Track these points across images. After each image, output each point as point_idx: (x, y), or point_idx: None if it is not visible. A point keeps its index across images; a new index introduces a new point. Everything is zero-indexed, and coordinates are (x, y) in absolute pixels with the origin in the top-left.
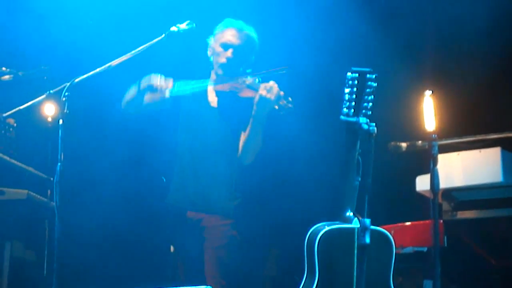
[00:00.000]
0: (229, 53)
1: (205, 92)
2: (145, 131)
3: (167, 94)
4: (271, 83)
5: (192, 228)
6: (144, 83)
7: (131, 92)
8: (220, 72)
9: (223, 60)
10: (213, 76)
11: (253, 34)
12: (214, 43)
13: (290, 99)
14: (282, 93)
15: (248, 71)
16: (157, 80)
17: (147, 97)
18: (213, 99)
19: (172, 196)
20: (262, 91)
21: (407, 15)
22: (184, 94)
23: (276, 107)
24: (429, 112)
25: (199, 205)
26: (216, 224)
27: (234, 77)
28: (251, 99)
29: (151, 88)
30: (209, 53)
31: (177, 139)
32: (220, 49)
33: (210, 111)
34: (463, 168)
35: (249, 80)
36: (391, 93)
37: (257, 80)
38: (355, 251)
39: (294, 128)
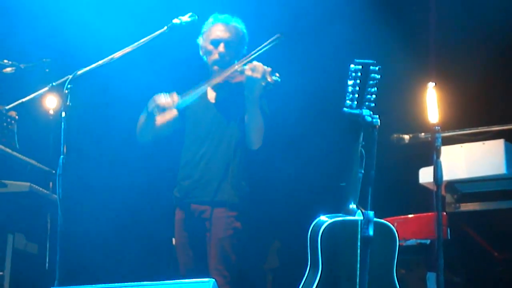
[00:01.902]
0: (220, 47)
1: (204, 92)
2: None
3: (174, 110)
4: (255, 63)
5: (196, 220)
6: (150, 106)
7: (141, 120)
8: (215, 68)
9: (215, 56)
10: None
11: (240, 25)
12: (203, 42)
13: (277, 74)
14: (269, 69)
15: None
16: (162, 99)
17: (159, 120)
18: (211, 96)
19: (177, 188)
20: (248, 72)
21: (410, 6)
22: (189, 103)
23: (263, 83)
24: (432, 104)
25: (204, 197)
26: (221, 215)
27: (226, 68)
28: (242, 82)
29: (159, 109)
30: (201, 53)
31: (183, 139)
32: (211, 47)
33: (209, 107)
34: (466, 160)
35: (240, 66)
36: (394, 85)
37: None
38: (358, 244)
39: (297, 120)
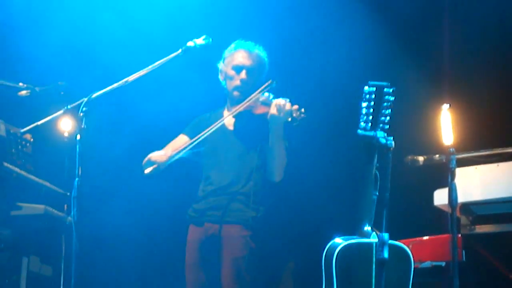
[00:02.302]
0: (243, 74)
1: (221, 117)
2: (164, 146)
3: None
4: (282, 100)
5: (209, 239)
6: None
7: (146, 163)
8: (236, 94)
9: (237, 82)
10: (228, 102)
11: (262, 53)
12: (225, 67)
13: (303, 110)
14: (295, 106)
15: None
16: (154, 157)
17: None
18: (229, 122)
19: (191, 209)
20: (273, 110)
21: (424, 29)
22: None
23: (289, 119)
24: (446, 125)
25: (219, 216)
26: (236, 235)
27: (247, 97)
28: (265, 115)
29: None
30: (221, 77)
31: (201, 163)
32: (232, 72)
33: (228, 134)
34: (481, 182)
35: (262, 97)
36: (408, 107)
37: (271, 96)
38: (374, 266)
39: (312, 142)
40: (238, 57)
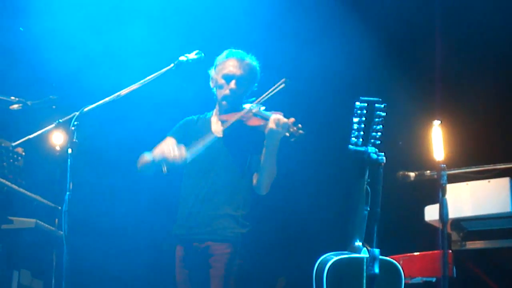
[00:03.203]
0: (232, 84)
1: (208, 123)
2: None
3: (182, 162)
4: (279, 116)
5: (198, 257)
6: (157, 156)
7: (145, 158)
8: (224, 103)
9: (226, 92)
10: (217, 107)
11: (254, 63)
12: (215, 74)
13: (300, 125)
14: (292, 120)
15: (251, 99)
16: (171, 154)
17: (164, 169)
18: (216, 129)
19: (179, 225)
20: (272, 125)
21: (416, 45)
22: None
23: (287, 134)
24: (437, 141)
25: (205, 234)
26: (224, 252)
27: (239, 108)
28: (258, 127)
29: (167, 163)
30: (211, 84)
31: (184, 170)
32: (222, 81)
33: (215, 142)
34: (472, 198)
35: (255, 109)
36: (399, 123)
37: (262, 108)
38: (364, 281)
39: (303, 157)
40: (228, 65)
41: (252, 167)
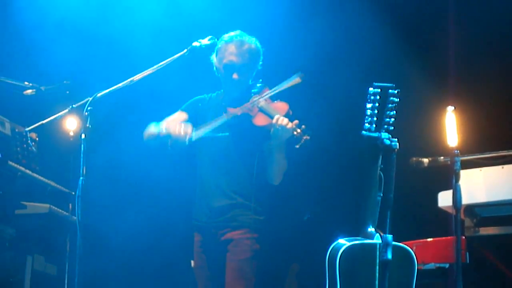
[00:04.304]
0: (234, 75)
1: (219, 103)
2: (167, 147)
3: (187, 141)
4: (283, 120)
5: (215, 242)
6: (163, 130)
7: (152, 130)
8: (231, 91)
9: (230, 82)
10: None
11: (253, 45)
12: (217, 63)
13: (303, 127)
14: (296, 122)
15: (259, 82)
16: (176, 130)
17: (169, 142)
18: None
19: (196, 213)
20: (276, 130)
21: (430, 30)
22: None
23: (295, 133)
24: (451, 127)
25: (224, 221)
26: (241, 237)
27: (247, 94)
28: (264, 127)
29: (171, 139)
30: (215, 70)
31: (196, 160)
32: (224, 71)
33: (227, 131)
34: (486, 184)
35: (261, 102)
36: (413, 109)
37: (269, 102)
38: (377, 267)
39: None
40: (228, 54)
41: (262, 158)
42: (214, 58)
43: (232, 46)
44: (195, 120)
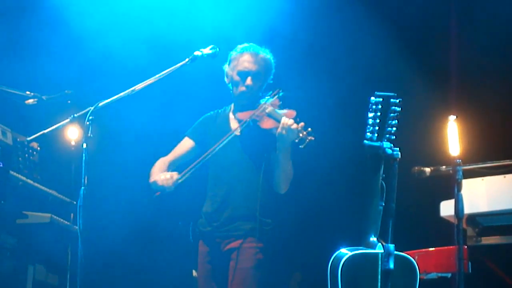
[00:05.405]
0: (248, 81)
1: (226, 120)
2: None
3: (172, 188)
4: (289, 121)
5: (220, 252)
6: (152, 181)
7: (151, 178)
8: (241, 100)
9: (242, 88)
10: (234, 103)
11: (268, 56)
12: (230, 71)
13: (310, 129)
14: (302, 124)
15: (268, 94)
16: (159, 182)
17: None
18: (234, 126)
19: (202, 223)
20: (281, 130)
21: (432, 40)
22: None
23: (297, 140)
24: (453, 137)
25: (229, 231)
26: (246, 246)
27: (257, 104)
28: (270, 130)
29: (156, 186)
30: (226, 80)
31: (206, 169)
32: (238, 78)
33: (233, 140)
34: (488, 193)
35: (269, 108)
36: (415, 118)
37: (276, 108)
38: (379, 277)
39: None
40: (243, 61)
41: (269, 168)
42: (226, 67)
43: (247, 55)
44: (203, 143)
